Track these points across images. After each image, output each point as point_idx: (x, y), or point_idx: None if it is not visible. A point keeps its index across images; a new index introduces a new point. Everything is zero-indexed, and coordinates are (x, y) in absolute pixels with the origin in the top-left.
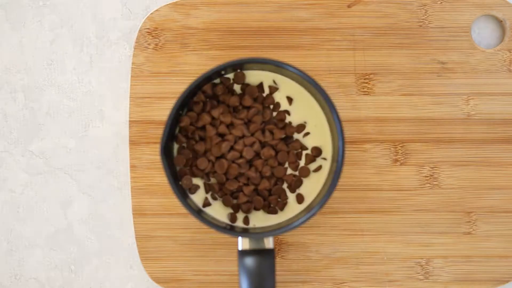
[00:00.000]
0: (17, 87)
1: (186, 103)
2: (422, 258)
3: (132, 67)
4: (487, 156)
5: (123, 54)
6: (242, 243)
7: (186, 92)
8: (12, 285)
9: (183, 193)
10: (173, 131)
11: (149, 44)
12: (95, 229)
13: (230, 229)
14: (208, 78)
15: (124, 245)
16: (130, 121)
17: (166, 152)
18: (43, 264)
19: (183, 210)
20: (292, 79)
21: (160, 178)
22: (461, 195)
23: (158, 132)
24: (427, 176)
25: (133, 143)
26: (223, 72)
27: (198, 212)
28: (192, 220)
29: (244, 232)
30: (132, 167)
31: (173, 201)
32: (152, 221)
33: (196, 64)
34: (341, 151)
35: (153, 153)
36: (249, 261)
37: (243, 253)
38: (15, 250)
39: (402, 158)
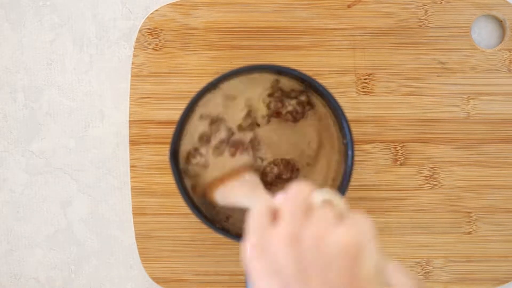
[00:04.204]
0: (17, 87)
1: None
2: (422, 258)
3: (132, 67)
4: (487, 156)
5: (123, 54)
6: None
7: (199, 94)
8: (12, 285)
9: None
10: (183, 133)
11: (149, 44)
12: (95, 229)
13: (238, 236)
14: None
15: (124, 245)
16: (130, 121)
17: (174, 155)
18: (43, 264)
19: (183, 210)
20: (296, 81)
21: (160, 178)
22: (461, 195)
23: (158, 132)
24: (427, 176)
25: (133, 143)
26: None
27: (206, 217)
28: (192, 220)
29: None
30: (132, 167)
31: (173, 201)
32: (152, 221)
33: (196, 64)
34: (350, 154)
35: (153, 153)
36: None
37: None
38: (15, 250)
39: (402, 158)
